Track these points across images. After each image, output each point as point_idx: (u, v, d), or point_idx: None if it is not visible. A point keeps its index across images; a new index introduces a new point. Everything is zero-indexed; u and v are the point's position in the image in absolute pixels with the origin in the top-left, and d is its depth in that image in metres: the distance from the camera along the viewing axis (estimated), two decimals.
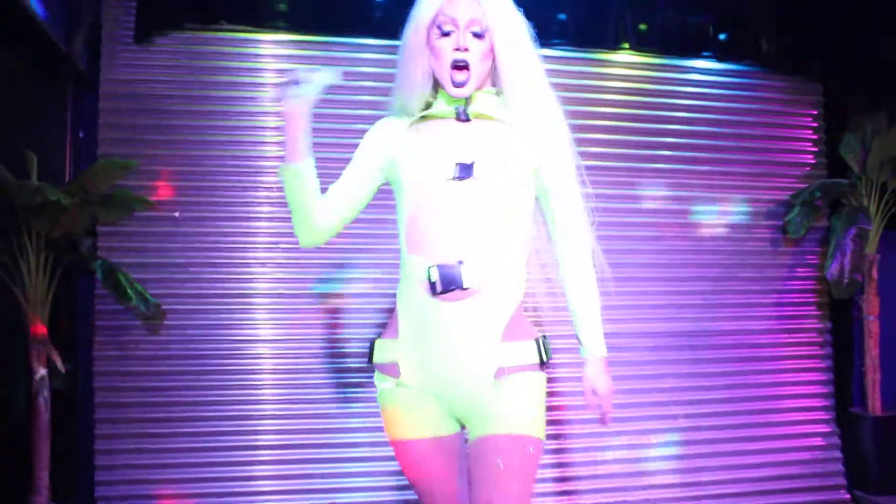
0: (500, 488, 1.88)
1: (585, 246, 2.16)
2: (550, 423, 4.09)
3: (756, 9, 4.50)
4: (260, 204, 3.96)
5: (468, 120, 2.01)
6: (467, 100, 2.01)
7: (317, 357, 3.97)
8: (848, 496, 4.39)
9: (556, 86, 4.39)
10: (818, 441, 4.47)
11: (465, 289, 1.90)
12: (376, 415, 2.07)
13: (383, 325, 2.11)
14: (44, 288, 3.38)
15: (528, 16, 4.15)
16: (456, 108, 2.01)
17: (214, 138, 3.94)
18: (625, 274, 4.25)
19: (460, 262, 1.90)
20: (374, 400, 2.07)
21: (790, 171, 4.60)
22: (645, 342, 4.29)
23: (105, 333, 3.79)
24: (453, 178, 1.94)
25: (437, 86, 2.04)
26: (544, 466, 4.05)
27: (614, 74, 4.39)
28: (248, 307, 3.94)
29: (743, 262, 4.49)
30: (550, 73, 4.43)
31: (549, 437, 4.08)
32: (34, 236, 3.32)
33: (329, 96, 3.98)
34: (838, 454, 4.47)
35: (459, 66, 1.96)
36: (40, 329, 3.34)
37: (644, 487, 4.19)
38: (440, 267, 1.90)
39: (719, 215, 4.47)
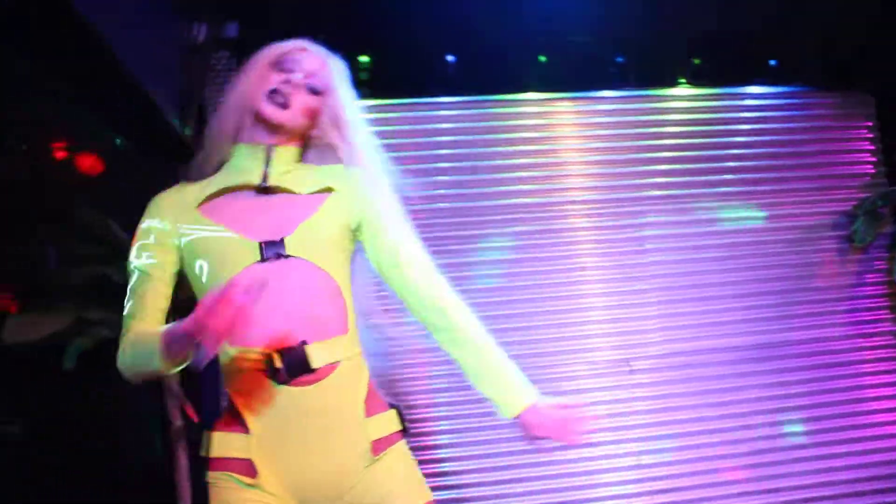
0: None
1: (452, 295, 1.89)
2: (642, 425, 4.17)
3: (802, 31, 4.53)
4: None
5: (268, 191, 1.77)
6: (268, 163, 1.77)
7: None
8: None
9: (620, 124, 4.54)
10: None
11: (313, 370, 1.67)
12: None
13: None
14: None
15: (588, 59, 4.33)
16: (253, 183, 1.76)
17: None
18: (701, 294, 4.32)
19: (304, 343, 1.66)
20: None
21: (851, 182, 4.58)
22: (725, 357, 4.30)
23: None
24: (263, 261, 1.69)
25: (238, 139, 1.83)
26: (635, 481, 4.11)
27: (674, 108, 4.47)
28: None
29: (813, 272, 4.48)
30: (613, 113, 4.57)
31: (640, 453, 4.15)
32: None
33: (409, 153, 4.18)
34: None
35: (279, 101, 1.77)
36: (174, 385, 3.53)
37: (734, 496, 4.18)
38: (284, 353, 1.65)
39: (786, 231, 4.48)
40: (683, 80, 4.43)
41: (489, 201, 4.20)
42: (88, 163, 3.69)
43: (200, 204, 1.76)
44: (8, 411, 3.51)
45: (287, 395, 1.67)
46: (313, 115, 1.83)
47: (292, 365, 1.65)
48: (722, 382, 4.27)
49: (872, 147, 4.65)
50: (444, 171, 4.20)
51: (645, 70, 4.38)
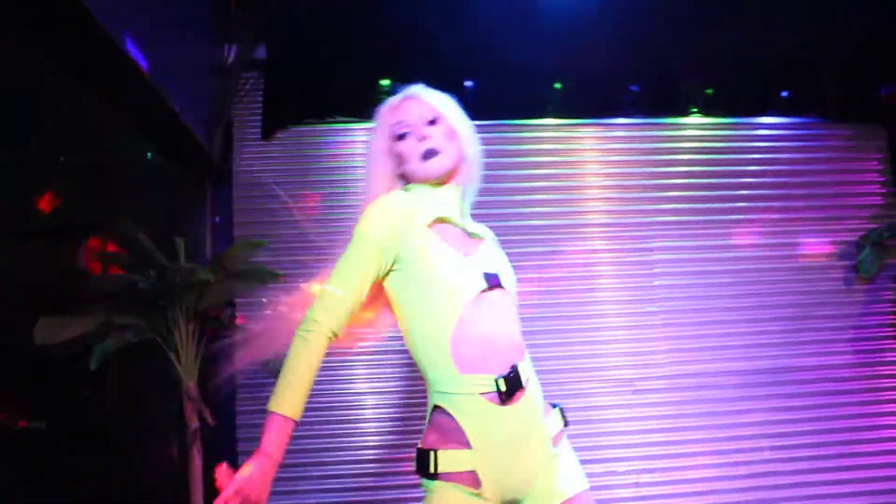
0: None
1: None
2: (646, 457, 4.26)
3: (814, 64, 4.61)
4: None
5: (472, 237, 2.08)
6: (459, 204, 2.11)
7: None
8: None
9: (633, 151, 4.65)
10: None
11: (522, 388, 1.93)
12: None
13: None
14: (193, 353, 3.73)
15: (603, 87, 4.45)
16: (460, 224, 2.07)
17: (331, 217, 4.24)
18: (707, 318, 4.38)
19: (515, 366, 1.93)
20: None
21: (860, 213, 4.61)
22: (728, 381, 4.35)
23: (245, 391, 4.12)
24: (489, 288, 1.98)
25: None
26: (633, 499, 4.18)
27: (686, 136, 4.54)
28: (361, 363, 4.21)
29: (819, 301, 4.51)
30: (627, 139, 4.68)
31: (640, 471, 4.23)
32: (184, 310, 3.65)
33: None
34: None
35: (429, 155, 2.05)
36: (193, 388, 3.68)
37: None
38: (506, 378, 1.90)
39: (793, 259, 4.52)
40: (696, 110, 4.50)
41: (503, 222, 4.29)
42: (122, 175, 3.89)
43: (431, 224, 2.01)
44: (36, 408, 3.69)
45: (501, 411, 1.90)
46: (453, 136, 2.15)
47: (514, 386, 1.91)
48: (725, 406, 4.31)
49: (883, 179, 4.67)
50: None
51: (658, 99, 4.46)
